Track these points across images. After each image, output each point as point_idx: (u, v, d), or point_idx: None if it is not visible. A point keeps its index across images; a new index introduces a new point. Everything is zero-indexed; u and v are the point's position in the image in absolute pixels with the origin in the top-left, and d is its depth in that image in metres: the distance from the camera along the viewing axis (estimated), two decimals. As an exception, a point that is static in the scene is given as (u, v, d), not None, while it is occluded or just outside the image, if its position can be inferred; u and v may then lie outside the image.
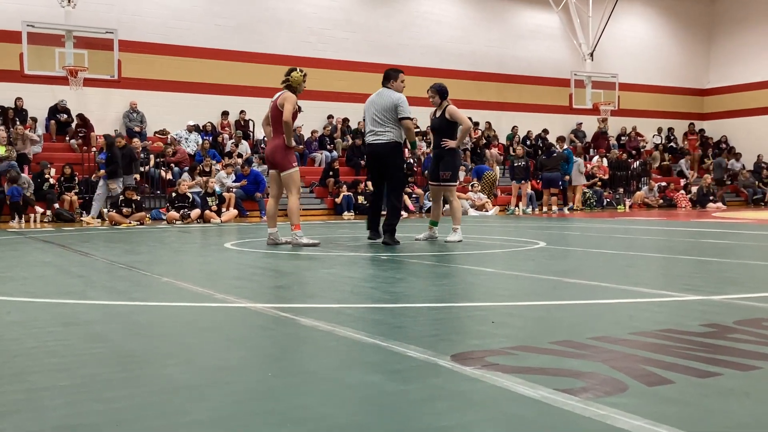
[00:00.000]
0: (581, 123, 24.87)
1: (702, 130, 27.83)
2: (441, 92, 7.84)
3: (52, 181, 15.05)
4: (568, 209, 18.59)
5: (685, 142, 26.63)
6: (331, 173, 18.14)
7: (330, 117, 20.63)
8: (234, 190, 16.01)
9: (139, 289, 4.35)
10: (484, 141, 22.10)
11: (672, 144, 26.65)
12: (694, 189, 22.60)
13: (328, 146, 19.48)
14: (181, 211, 14.13)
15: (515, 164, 18.05)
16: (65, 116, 17.54)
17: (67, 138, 17.47)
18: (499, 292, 4.08)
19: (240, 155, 18.17)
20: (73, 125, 17.57)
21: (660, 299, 3.70)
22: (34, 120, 16.97)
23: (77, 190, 15.29)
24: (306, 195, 18.22)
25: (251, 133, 19.81)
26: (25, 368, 2.34)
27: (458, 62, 22.97)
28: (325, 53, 20.82)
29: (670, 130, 26.98)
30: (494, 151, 21.80)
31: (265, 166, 18.36)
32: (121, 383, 2.14)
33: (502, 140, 23.28)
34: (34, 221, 13.98)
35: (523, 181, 17.83)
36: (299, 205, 7.47)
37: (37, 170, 15.21)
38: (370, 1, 21.88)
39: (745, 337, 2.68)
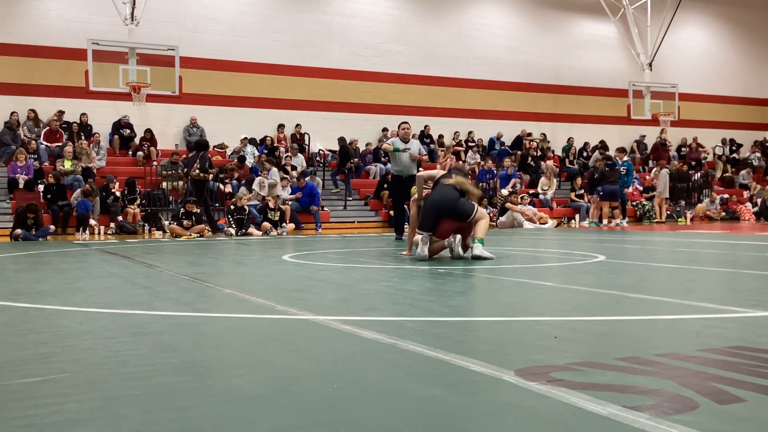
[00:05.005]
0: (644, 135, 24.48)
1: (765, 140, 27.02)
2: None
3: (117, 194, 15.49)
4: (627, 222, 18.30)
5: None
6: (385, 186, 18.20)
7: (384, 130, 20.72)
8: (290, 202, 16.21)
9: (203, 301, 4.45)
10: (540, 153, 21.89)
11: (735, 155, 25.92)
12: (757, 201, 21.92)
13: (383, 159, 19.56)
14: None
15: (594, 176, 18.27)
16: (128, 131, 18.06)
17: (130, 152, 17.97)
18: (559, 307, 4.03)
19: (294, 167, 18.38)
20: (137, 139, 18.07)
21: (727, 315, 3.61)
22: (98, 135, 17.53)
23: (139, 203, 15.69)
24: (361, 207, 18.34)
25: (306, 146, 20.04)
26: (99, 377, 2.41)
27: (512, 73, 22.86)
28: (379, 66, 20.98)
29: (732, 141, 26.26)
30: (550, 163, 21.58)
31: (319, 179, 18.70)
32: (192, 393, 2.19)
33: (558, 152, 23.04)
34: (98, 233, 14.39)
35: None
36: None
37: (102, 183, 15.67)
38: (424, 13, 21.96)
39: (819, 355, 2.59)
